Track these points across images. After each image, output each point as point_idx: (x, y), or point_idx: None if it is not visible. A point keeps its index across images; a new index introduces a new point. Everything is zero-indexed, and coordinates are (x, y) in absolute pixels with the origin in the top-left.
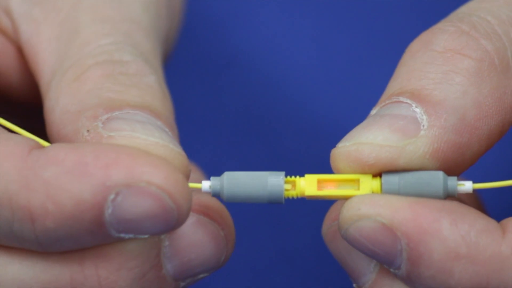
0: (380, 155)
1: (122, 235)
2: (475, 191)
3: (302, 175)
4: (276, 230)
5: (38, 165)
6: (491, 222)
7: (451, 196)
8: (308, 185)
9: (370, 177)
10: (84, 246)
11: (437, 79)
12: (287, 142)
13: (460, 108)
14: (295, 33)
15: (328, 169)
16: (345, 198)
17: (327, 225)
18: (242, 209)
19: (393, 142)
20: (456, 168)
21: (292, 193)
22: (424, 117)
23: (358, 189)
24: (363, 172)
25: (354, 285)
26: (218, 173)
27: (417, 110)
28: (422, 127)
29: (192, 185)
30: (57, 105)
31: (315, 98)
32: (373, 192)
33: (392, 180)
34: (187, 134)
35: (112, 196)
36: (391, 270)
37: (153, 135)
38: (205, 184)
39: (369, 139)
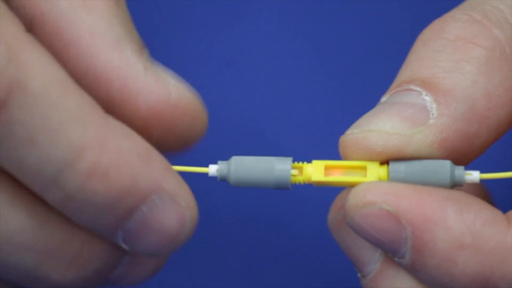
0: (388, 143)
1: (122, 243)
2: (483, 182)
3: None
4: (276, 228)
5: (117, 132)
6: (497, 213)
7: (457, 185)
8: (315, 171)
9: (377, 164)
10: (94, 227)
11: (447, 67)
12: (287, 142)
13: (470, 97)
14: (295, 32)
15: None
16: (352, 185)
17: (333, 214)
18: (242, 207)
19: (402, 130)
20: (464, 157)
21: (299, 178)
22: (434, 105)
23: (365, 176)
24: (371, 159)
25: (359, 274)
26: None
27: (427, 98)
28: (431, 116)
29: (198, 169)
30: (82, 22)
31: (317, 94)
32: (380, 180)
33: (399, 168)
34: None
35: (155, 197)
36: (396, 259)
37: (176, 80)
38: (212, 168)
39: (377, 127)
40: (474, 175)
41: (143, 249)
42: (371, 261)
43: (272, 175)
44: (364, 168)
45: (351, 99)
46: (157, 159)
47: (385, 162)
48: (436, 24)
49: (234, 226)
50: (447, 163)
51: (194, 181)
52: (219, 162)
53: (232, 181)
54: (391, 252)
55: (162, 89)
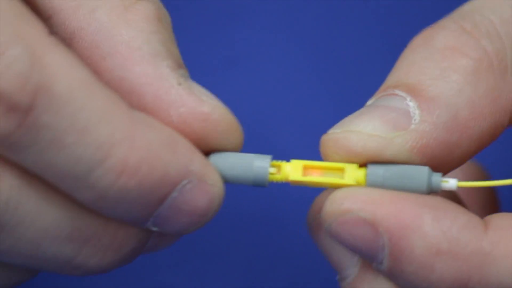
0: (367, 144)
1: (153, 228)
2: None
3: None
4: (273, 228)
5: (142, 125)
6: (473, 218)
7: (434, 192)
8: (293, 170)
9: (356, 167)
10: (126, 218)
11: (434, 75)
12: (284, 142)
13: (453, 106)
14: (294, 33)
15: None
16: (329, 186)
17: (312, 217)
18: (240, 208)
19: (382, 133)
20: (443, 165)
21: (277, 177)
22: (417, 111)
23: (343, 178)
24: (350, 160)
25: (338, 276)
26: None
27: (411, 104)
28: (413, 121)
29: None
30: (119, 35)
31: (315, 94)
32: (357, 182)
33: (377, 171)
34: None
35: (185, 182)
36: (374, 265)
37: (211, 97)
38: None
39: (358, 128)
40: (451, 183)
41: (174, 230)
42: (349, 264)
43: (250, 172)
44: (342, 170)
45: (349, 99)
46: (182, 144)
47: (363, 164)
48: (426, 32)
49: (233, 226)
50: (425, 169)
51: None
52: None
53: None
54: (369, 258)
55: (194, 102)
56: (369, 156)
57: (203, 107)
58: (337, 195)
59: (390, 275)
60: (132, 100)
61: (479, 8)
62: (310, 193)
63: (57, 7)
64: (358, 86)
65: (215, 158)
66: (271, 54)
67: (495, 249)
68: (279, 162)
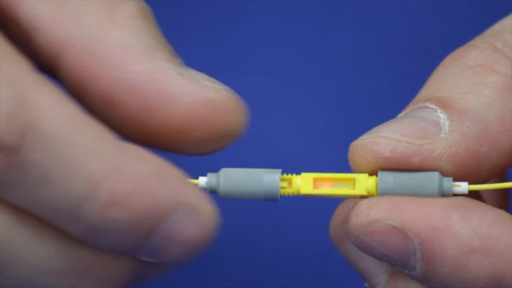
0: (396, 149)
1: (148, 259)
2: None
3: (299, 174)
4: (276, 230)
5: (131, 157)
6: (502, 213)
7: (446, 196)
8: (304, 183)
9: (366, 176)
10: (118, 250)
11: (464, 89)
12: (286, 141)
13: (483, 118)
14: (294, 32)
15: (325, 170)
16: (341, 197)
17: (335, 228)
18: (241, 209)
19: (411, 139)
20: (472, 177)
21: (288, 191)
22: (447, 122)
23: (354, 188)
24: (378, 165)
25: (366, 284)
26: (216, 170)
27: (441, 115)
28: (443, 131)
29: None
30: (110, 37)
31: (315, 99)
32: (369, 192)
33: (388, 179)
34: None
35: (176, 212)
36: (406, 272)
37: (212, 80)
38: (202, 180)
39: (388, 133)
40: (463, 187)
41: (169, 260)
42: (378, 273)
43: (261, 188)
44: (353, 180)
45: (350, 100)
46: (173, 175)
47: (373, 173)
48: (458, 51)
49: (232, 228)
50: (436, 174)
51: None
52: (208, 174)
53: (221, 193)
54: (401, 265)
55: (198, 89)
56: (397, 161)
57: (208, 92)
58: (361, 206)
59: (424, 279)
60: (137, 99)
61: (510, 27)
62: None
63: (42, 18)
64: (359, 86)
65: (224, 175)
66: (271, 53)
67: None
68: (289, 176)
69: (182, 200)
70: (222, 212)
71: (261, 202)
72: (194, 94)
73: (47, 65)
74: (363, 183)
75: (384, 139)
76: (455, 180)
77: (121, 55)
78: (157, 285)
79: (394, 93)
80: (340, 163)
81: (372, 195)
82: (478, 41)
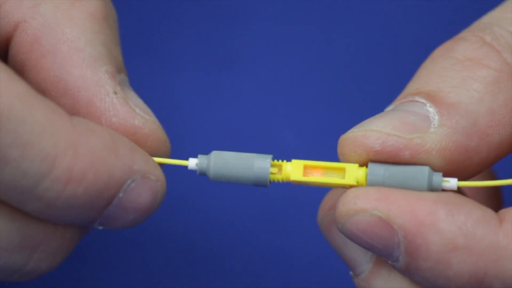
0: (386, 143)
1: (99, 227)
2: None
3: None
4: (273, 226)
5: (84, 131)
6: (488, 212)
7: (435, 191)
8: (294, 170)
9: (357, 167)
10: (74, 223)
11: (454, 83)
12: (286, 142)
13: (473, 113)
14: (295, 32)
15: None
16: (330, 186)
17: (323, 215)
18: (238, 206)
19: (401, 133)
20: (462, 171)
21: (278, 177)
22: (436, 117)
23: (344, 177)
24: (368, 158)
25: (351, 273)
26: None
27: (431, 109)
28: (432, 125)
29: (178, 161)
30: (62, 34)
31: (315, 95)
32: (358, 182)
33: (378, 171)
34: (187, 132)
35: (129, 181)
36: (389, 262)
37: (145, 109)
38: (192, 162)
39: (378, 127)
40: (452, 182)
41: (119, 226)
42: (363, 261)
43: (251, 172)
44: (342, 170)
45: (350, 99)
46: (123, 144)
47: (364, 164)
48: (446, 44)
49: (230, 225)
50: (426, 169)
51: (193, 182)
52: (199, 156)
53: (211, 175)
54: (384, 256)
55: (125, 113)
56: (387, 155)
57: (135, 119)
58: (349, 195)
59: (406, 272)
60: (66, 103)
61: (498, 19)
62: (309, 190)
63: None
64: (359, 85)
65: (215, 158)
66: (271, 53)
67: (511, 242)
68: (279, 162)
69: (134, 169)
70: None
71: (254, 197)
72: (120, 117)
73: None
74: (353, 173)
75: (374, 132)
76: (445, 174)
77: (67, 55)
78: (156, 285)
79: (388, 88)
80: (333, 158)
81: (362, 186)
82: (467, 34)
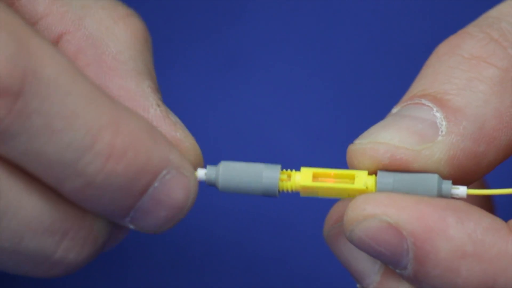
0: (395, 156)
1: (129, 224)
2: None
3: (299, 170)
4: (275, 230)
5: (125, 112)
6: (497, 220)
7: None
8: (303, 178)
9: (366, 174)
10: (107, 211)
11: (460, 85)
12: (287, 142)
13: (480, 116)
14: (295, 33)
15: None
16: (339, 192)
17: (329, 227)
18: (241, 210)
19: (410, 145)
20: (470, 176)
21: (287, 185)
22: (444, 122)
23: (353, 185)
24: (377, 169)
25: (358, 286)
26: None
27: (438, 114)
28: (440, 133)
29: None
30: (106, 47)
31: (315, 99)
32: (367, 188)
33: (387, 179)
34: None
35: (165, 172)
36: (397, 270)
37: (183, 126)
38: (201, 172)
39: (386, 139)
40: (461, 190)
41: (150, 225)
42: (371, 273)
43: (260, 182)
44: (352, 177)
45: (351, 100)
46: (161, 135)
47: (373, 172)
48: (452, 40)
49: (232, 228)
50: (435, 177)
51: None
52: (207, 166)
53: (220, 186)
54: (393, 264)
55: (169, 126)
56: (396, 167)
57: (177, 132)
58: (358, 200)
59: (415, 280)
60: None
61: (506, 14)
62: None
63: (44, 12)
64: (360, 86)
65: (224, 168)
66: (272, 54)
67: None
68: (288, 171)
69: (171, 159)
70: (221, 214)
71: (260, 204)
72: (162, 128)
73: None
74: (363, 179)
75: (383, 145)
76: (453, 179)
77: (111, 65)
78: (156, 285)
79: (393, 91)
80: (340, 161)
81: (371, 192)
82: (473, 29)
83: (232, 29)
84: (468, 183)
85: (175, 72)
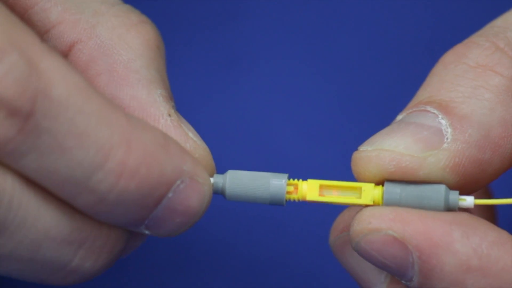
0: (400, 163)
1: (145, 231)
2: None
3: (304, 177)
4: (277, 233)
5: (138, 127)
6: (503, 234)
7: (451, 210)
8: (310, 189)
9: (373, 186)
10: (122, 222)
11: (466, 93)
12: (289, 142)
13: (485, 124)
14: (296, 34)
15: (328, 172)
16: (346, 205)
17: (335, 236)
18: (244, 213)
19: (415, 152)
20: (475, 183)
21: (294, 196)
22: (449, 130)
23: (360, 197)
24: (382, 178)
25: None
26: (219, 172)
27: (443, 122)
28: (445, 140)
29: None
30: (118, 55)
31: (318, 100)
32: (374, 202)
33: (394, 190)
34: None
35: (178, 181)
36: (403, 281)
37: (196, 134)
38: None
39: (391, 146)
40: (468, 201)
41: (166, 231)
42: (377, 282)
43: (267, 192)
44: (359, 189)
45: (351, 100)
46: (174, 144)
47: (380, 183)
48: (458, 49)
49: (236, 230)
50: (442, 188)
51: None
52: (215, 175)
53: (227, 195)
54: (398, 275)
55: (179, 136)
56: (402, 174)
57: (187, 143)
58: (364, 213)
59: None
60: None
61: None
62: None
63: (56, 21)
64: (361, 87)
65: (231, 177)
66: (273, 54)
67: None
68: (295, 181)
69: (184, 169)
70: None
71: (264, 207)
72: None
73: None
74: (369, 192)
75: (388, 153)
76: (458, 187)
77: (123, 75)
78: (158, 285)
79: (398, 92)
80: (343, 162)
81: (378, 205)
82: (479, 38)
83: (233, 29)
84: (473, 191)
85: (175, 72)
